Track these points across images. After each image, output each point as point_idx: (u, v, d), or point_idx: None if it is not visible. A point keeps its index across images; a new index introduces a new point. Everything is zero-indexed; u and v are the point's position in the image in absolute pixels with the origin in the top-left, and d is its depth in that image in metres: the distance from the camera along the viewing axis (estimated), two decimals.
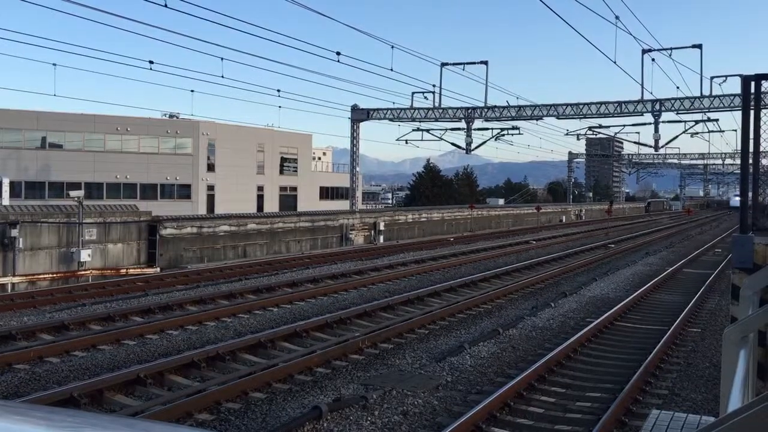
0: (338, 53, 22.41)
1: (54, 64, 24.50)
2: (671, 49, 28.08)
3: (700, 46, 28.10)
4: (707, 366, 11.76)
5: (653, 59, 28.00)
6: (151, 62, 21.68)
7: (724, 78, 28.53)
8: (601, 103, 29.88)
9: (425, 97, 33.52)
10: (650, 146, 31.32)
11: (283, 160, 62.64)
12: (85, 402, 8.62)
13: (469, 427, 8.21)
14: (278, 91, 27.62)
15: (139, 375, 9.64)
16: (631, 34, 23.90)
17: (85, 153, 49.70)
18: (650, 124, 29.71)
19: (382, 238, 36.96)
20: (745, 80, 9.01)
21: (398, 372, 10.84)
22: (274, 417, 8.64)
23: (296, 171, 63.87)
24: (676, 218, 77.19)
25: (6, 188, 31.37)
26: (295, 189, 63.29)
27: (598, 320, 14.48)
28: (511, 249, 32.44)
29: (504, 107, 32.14)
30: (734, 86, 27.88)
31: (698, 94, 28.04)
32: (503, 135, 36.95)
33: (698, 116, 31.41)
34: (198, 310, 15.26)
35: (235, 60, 24.61)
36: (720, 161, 69.81)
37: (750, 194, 9.32)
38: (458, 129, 35.37)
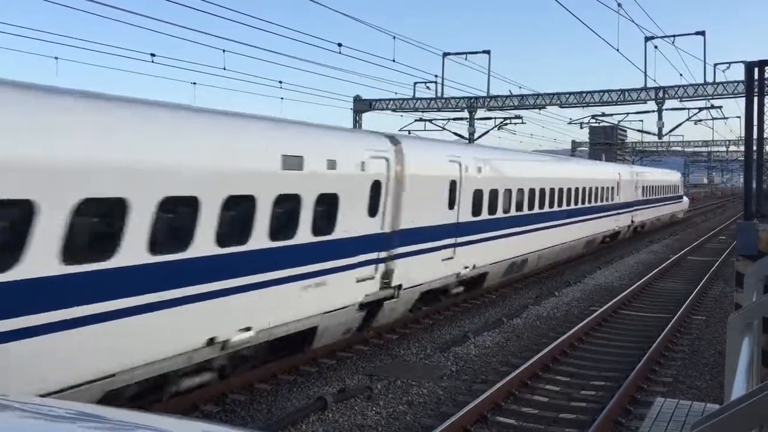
0: (340, 44, 22.31)
1: (56, 58, 24.46)
2: (674, 36, 27.88)
3: (703, 33, 27.90)
4: (712, 353, 11.76)
5: (656, 47, 27.75)
6: (152, 55, 21.60)
7: (728, 65, 28.33)
8: (604, 92, 29.69)
9: (427, 88, 33.26)
10: (654, 134, 31.13)
11: None
12: None
13: (474, 416, 8.23)
14: (280, 82, 27.42)
15: None
16: (633, 22, 23.69)
17: None
18: (653, 111, 29.51)
19: None
20: (749, 66, 8.97)
21: (403, 362, 10.86)
22: (280, 408, 8.67)
23: None
24: None
25: None
26: None
27: (602, 309, 14.47)
28: None
29: (507, 96, 31.94)
30: (738, 73, 27.70)
31: (702, 81, 27.83)
32: (506, 124, 36.73)
33: (702, 103, 31.23)
34: None
35: (236, 52, 24.56)
36: (724, 148, 69.52)
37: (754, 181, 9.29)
38: (461, 119, 35.16)
